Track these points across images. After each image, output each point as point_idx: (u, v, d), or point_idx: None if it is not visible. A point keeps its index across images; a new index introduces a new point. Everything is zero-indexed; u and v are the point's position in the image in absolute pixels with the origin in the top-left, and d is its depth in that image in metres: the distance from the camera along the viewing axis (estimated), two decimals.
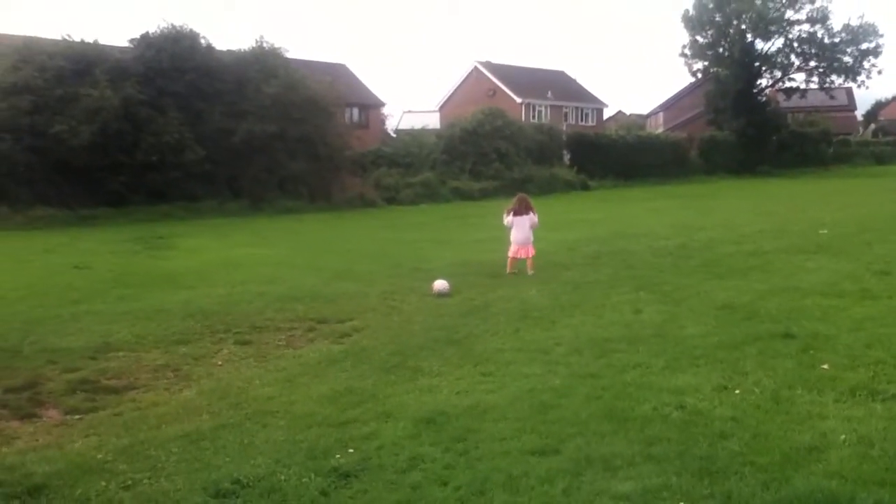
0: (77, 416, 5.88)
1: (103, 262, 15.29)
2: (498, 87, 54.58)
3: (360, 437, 5.07)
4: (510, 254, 12.44)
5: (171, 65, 28.54)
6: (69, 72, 26.72)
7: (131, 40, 29.78)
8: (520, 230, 12.42)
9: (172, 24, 29.75)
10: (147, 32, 29.54)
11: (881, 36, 50.57)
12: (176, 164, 27.68)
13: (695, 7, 50.93)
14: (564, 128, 46.15)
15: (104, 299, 10.98)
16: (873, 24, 50.22)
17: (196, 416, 5.72)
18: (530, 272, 12.15)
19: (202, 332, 8.67)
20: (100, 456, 4.93)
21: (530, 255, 12.39)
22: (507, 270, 12.26)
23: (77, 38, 28.95)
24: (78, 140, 25.38)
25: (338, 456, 4.74)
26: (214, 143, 28.84)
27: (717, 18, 50.06)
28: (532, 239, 12.51)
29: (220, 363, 7.41)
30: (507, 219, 12.57)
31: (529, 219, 12.55)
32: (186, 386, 6.65)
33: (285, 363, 7.29)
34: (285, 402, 5.93)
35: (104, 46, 29.21)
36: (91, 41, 29.05)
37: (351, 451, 4.83)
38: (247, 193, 29.73)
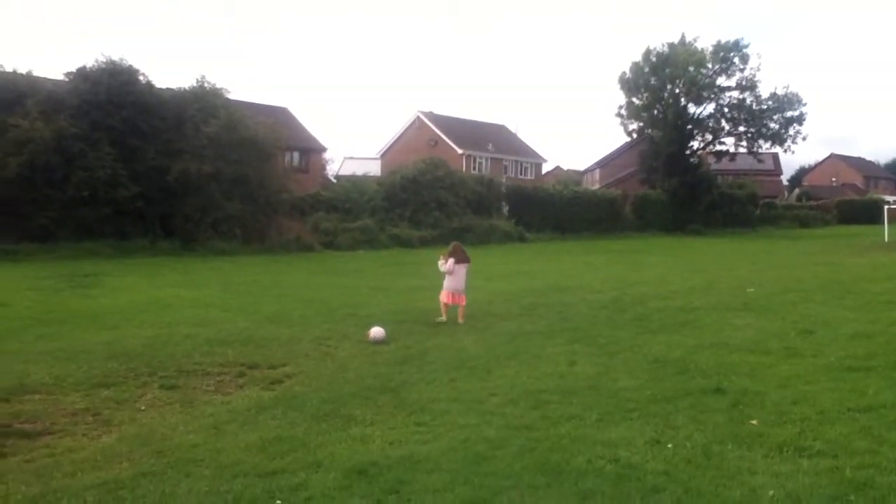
0: None
1: (22, 300, 14.66)
2: (440, 137, 55.19)
3: (289, 487, 4.89)
4: (445, 300, 12.48)
5: (108, 99, 28.06)
6: None
7: (67, 73, 29.22)
8: (459, 277, 12.58)
9: (111, 59, 29.37)
10: (84, 66, 29.02)
11: (804, 104, 53.38)
12: (107, 200, 27.06)
13: (631, 70, 52.79)
14: (504, 180, 46.88)
15: (20, 338, 10.50)
16: (797, 94, 53.03)
17: (115, 463, 5.45)
18: (462, 321, 12.18)
19: (126, 374, 8.35)
20: None
21: (463, 304, 12.48)
22: (442, 318, 12.25)
23: (9, 69, 28.26)
24: (3, 172, 24.59)
25: None
26: (148, 180, 28.34)
27: (653, 82, 51.92)
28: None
29: (143, 408, 7.12)
30: (449, 264, 12.57)
31: (467, 267, 12.71)
32: (107, 431, 6.36)
33: (213, 409, 7.04)
34: (211, 451, 5.70)
35: (37, 78, 28.57)
36: (24, 72, 28.39)
37: (279, 502, 4.66)
38: (179, 233, 29.15)
